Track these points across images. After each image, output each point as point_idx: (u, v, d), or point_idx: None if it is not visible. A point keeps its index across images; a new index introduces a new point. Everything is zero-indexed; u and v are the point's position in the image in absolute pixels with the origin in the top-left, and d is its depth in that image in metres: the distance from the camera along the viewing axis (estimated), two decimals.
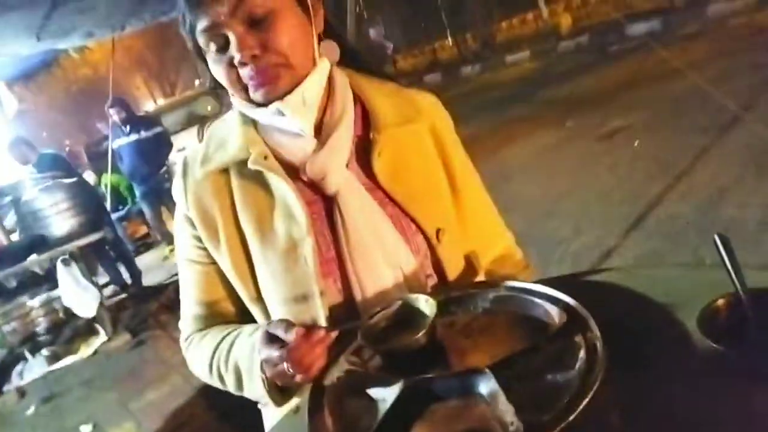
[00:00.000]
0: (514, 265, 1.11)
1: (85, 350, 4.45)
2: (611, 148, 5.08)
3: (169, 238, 6.77)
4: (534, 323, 0.78)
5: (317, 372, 0.79)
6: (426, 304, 0.81)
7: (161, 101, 22.88)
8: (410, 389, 0.70)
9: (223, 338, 0.94)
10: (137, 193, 6.59)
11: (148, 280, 5.84)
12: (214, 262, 0.97)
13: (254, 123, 0.94)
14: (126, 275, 5.73)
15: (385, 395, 0.72)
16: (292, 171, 0.91)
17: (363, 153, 0.94)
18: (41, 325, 4.85)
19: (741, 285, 0.59)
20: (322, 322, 0.89)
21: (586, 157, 5.13)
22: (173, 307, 5.01)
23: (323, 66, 0.90)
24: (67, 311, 4.90)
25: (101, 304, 4.44)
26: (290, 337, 0.78)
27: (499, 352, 0.72)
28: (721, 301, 0.60)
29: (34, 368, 4.31)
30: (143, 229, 7.98)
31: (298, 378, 0.79)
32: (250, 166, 0.90)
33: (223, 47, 0.83)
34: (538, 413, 0.60)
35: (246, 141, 0.92)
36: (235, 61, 0.82)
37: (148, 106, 22.30)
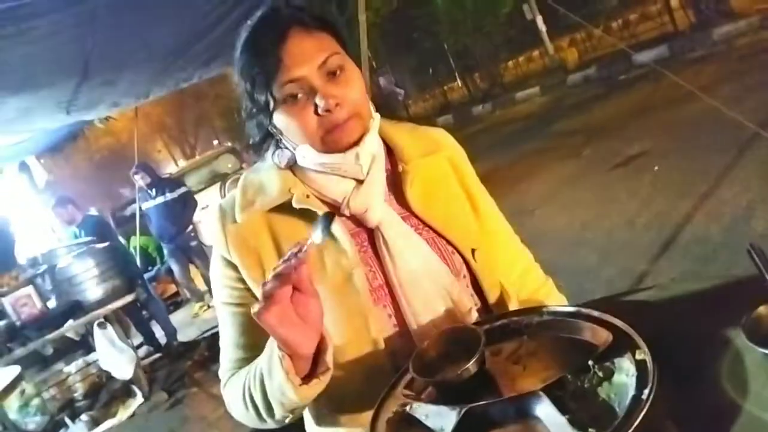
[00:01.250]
0: (535, 279, 1.18)
1: (123, 413, 4.47)
2: (630, 174, 5.09)
3: (198, 295, 6.86)
4: (579, 345, 0.80)
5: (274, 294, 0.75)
6: (472, 334, 0.84)
7: (182, 162, 23.45)
8: (467, 416, 0.72)
9: (255, 365, 0.93)
10: (165, 252, 6.74)
11: (180, 338, 5.89)
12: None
13: (291, 169, 1.01)
14: (160, 334, 5.80)
15: (443, 424, 0.74)
16: (332, 208, 0.98)
17: (392, 185, 1.02)
18: (78, 390, 4.90)
19: None
20: (379, 350, 0.93)
21: (606, 184, 5.14)
22: (207, 363, 5.04)
23: (377, 117, 1.00)
24: (102, 375, 4.96)
25: (137, 365, 4.48)
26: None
27: (549, 375, 0.75)
28: (763, 308, 0.62)
29: None
30: (172, 288, 8.10)
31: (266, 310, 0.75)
32: (295, 205, 0.95)
33: (303, 97, 0.92)
34: (596, 430, 0.62)
35: (285, 184, 0.98)
36: (320, 108, 0.90)
37: (170, 168, 22.88)
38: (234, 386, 0.98)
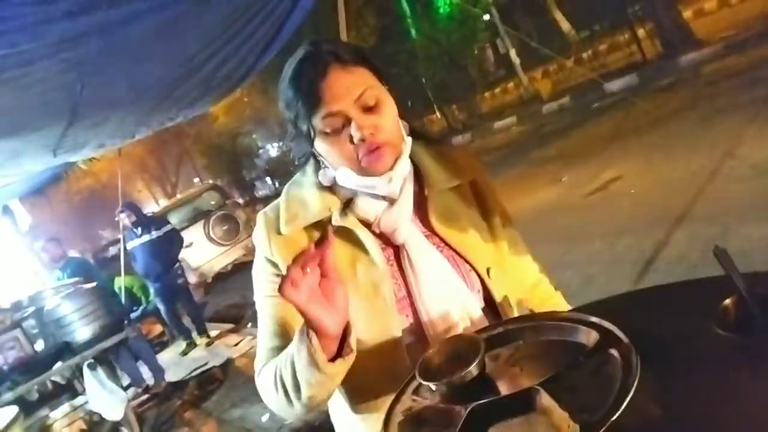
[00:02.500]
0: (545, 291, 1.29)
1: None
2: (608, 197, 5.25)
3: (185, 333, 6.80)
4: (570, 346, 0.88)
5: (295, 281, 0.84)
6: (473, 341, 0.92)
7: (163, 202, 23.36)
8: (473, 414, 0.79)
9: (286, 350, 1.00)
10: (152, 290, 6.70)
11: (168, 378, 5.83)
12: None
13: (330, 188, 1.10)
14: (147, 375, 5.73)
15: (451, 423, 0.81)
16: (366, 226, 1.08)
17: (418, 205, 1.12)
18: None
19: (743, 286, 0.71)
20: (400, 352, 1.04)
21: (586, 208, 5.29)
22: (198, 402, 4.99)
23: (409, 143, 1.09)
24: (89, 419, 4.88)
25: (127, 406, 4.43)
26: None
27: (544, 375, 0.82)
28: (728, 301, 0.72)
29: None
30: (157, 329, 8.03)
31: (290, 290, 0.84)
32: (334, 222, 1.06)
33: (341, 128, 1.01)
34: (589, 415, 0.70)
35: (325, 203, 1.08)
36: (355, 139, 1.00)
37: (151, 207, 22.78)
38: (267, 372, 1.05)
